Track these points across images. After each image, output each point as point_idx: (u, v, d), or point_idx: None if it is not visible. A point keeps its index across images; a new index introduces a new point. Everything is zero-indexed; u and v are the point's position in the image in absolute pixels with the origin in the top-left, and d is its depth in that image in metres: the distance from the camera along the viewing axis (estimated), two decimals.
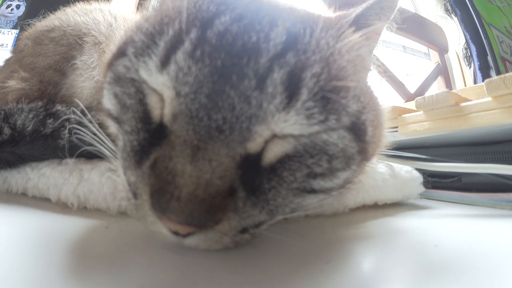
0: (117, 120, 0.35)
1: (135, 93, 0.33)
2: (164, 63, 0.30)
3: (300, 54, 0.30)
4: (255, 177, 0.30)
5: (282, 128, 0.30)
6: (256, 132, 0.29)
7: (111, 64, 0.36)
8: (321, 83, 0.30)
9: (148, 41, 0.32)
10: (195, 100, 0.29)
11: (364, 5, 0.37)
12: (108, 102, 0.36)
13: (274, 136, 0.31)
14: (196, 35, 0.30)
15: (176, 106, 0.30)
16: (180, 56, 0.30)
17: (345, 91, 0.32)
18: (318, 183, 0.33)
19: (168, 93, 0.30)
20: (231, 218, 0.29)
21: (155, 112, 0.32)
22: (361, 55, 0.37)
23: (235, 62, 0.29)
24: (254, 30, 0.31)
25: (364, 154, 0.35)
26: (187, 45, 0.30)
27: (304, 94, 0.30)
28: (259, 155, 0.31)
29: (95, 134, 0.41)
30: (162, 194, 0.27)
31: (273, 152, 0.31)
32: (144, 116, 0.33)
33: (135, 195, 0.32)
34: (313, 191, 0.33)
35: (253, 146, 0.30)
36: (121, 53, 0.35)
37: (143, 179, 0.31)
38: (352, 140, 0.33)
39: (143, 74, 0.32)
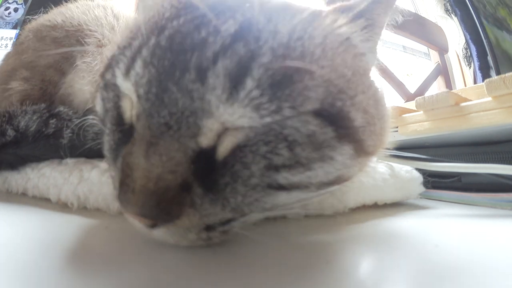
0: (102, 121, 0.38)
1: (113, 97, 0.36)
2: (127, 70, 0.32)
3: (251, 43, 0.30)
4: (211, 173, 0.30)
5: (232, 121, 0.29)
6: (204, 126, 0.29)
7: (103, 73, 0.39)
8: (271, 71, 0.29)
9: (121, 53, 0.34)
10: (147, 100, 0.30)
11: None
12: (97, 105, 0.39)
13: (227, 129, 0.30)
14: (153, 42, 0.32)
15: (138, 107, 0.31)
16: (138, 63, 0.32)
17: (304, 74, 0.30)
18: (284, 177, 0.31)
19: (133, 96, 0.32)
20: (191, 214, 0.29)
21: (127, 114, 0.34)
22: (345, 39, 0.35)
23: (180, 59, 0.30)
24: (206, 26, 0.31)
25: (356, 143, 0.33)
26: (144, 52, 0.32)
27: (248, 83, 0.29)
28: (214, 149, 0.30)
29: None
30: (123, 187, 0.29)
31: (225, 145, 0.30)
32: (119, 118, 0.35)
33: (115, 188, 0.35)
34: (282, 187, 0.31)
35: (205, 140, 0.30)
36: (109, 63, 0.38)
37: (117, 174, 0.33)
38: (322, 125, 0.31)
39: (118, 80, 0.34)
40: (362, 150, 0.34)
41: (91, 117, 0.47)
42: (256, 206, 0.32)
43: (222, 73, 0.29)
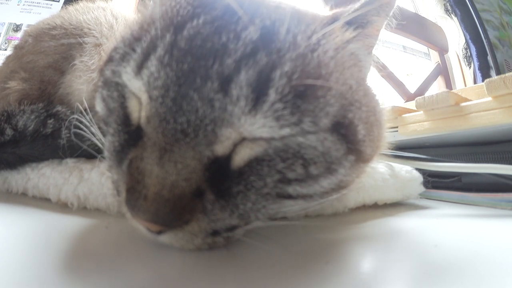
0: (104, 122, 0.37)
1: (117, 97, 0.35)
2: (139, 68, 0.31)
3: (273, 53, 0.29)
4: (224, 180, 0.30)
5: (251, 131, 0.29)
6: (222, 135, 0.29)
7: (102, 69, 0.38)
8: (293, 83, 0.29)
9: (129, 47, 0.33)
10: (163, 104, 0.29)
11: (362, 1, 0.36)
12: (98, 105, 0.38)
13: (244, 139, 0.30)
14: (169, 40, 0.31)
15: (149, 110, 0.30)
16: (152, 61, 0.30)
17: (325, 90, 0.31)
18: (294, 189, 0.32)
19: (144, 97, 0.31)
20: (200, 220, 0.29)
21: (134, 115, 0.33)
22: (352, 52, 0.36)
23: (201, 64, 0.29)
24: (226, 30, 0.30)
25: (358, 154, 0.34)
26: (159, 51, 0.30)
27: (271, 95, 0.29)
28: (228, 157, 0.30)
29: (93, 134, 0.42)
30: (132, 193, 0.28)
31: (241, 155, 0.30)
32: (125, 118, 0.34)
33: (118, 192, 0.34)
34: (290, 196, 0.32)
35: (221, 149, 0.30)
36: (110, 58, 0.36)
37: (123, 177, 0.32)
38: (337, 142, 0.32)
39: (124, 78, 0.33)
40: (361, 159, 0.35)
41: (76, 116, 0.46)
42: (262, 213, 0.32)
43: (245, 84, 0.28)
